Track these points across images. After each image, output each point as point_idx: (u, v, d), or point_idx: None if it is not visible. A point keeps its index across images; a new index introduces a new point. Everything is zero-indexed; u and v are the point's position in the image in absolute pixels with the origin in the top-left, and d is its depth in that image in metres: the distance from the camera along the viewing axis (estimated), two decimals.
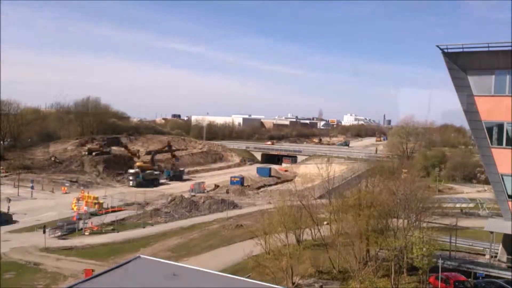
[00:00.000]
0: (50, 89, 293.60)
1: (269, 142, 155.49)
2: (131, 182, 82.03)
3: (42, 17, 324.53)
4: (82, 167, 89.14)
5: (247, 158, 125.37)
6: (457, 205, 59.21)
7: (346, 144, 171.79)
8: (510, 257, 33.90)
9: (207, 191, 77.86)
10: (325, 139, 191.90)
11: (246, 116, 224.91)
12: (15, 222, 52.00)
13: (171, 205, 61.86)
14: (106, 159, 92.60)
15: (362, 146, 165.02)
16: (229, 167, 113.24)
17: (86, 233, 47.64)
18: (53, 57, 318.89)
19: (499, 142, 30.95)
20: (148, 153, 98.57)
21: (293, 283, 31.52)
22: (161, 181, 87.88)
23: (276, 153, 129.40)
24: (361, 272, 29.32)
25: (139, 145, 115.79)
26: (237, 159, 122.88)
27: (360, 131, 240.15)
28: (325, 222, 44.78)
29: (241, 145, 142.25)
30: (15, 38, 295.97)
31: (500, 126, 30.71)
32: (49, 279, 34.32)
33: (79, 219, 51.11)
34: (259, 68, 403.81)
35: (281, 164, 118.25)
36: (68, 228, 48.31)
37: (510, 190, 31.85)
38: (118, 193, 71.27)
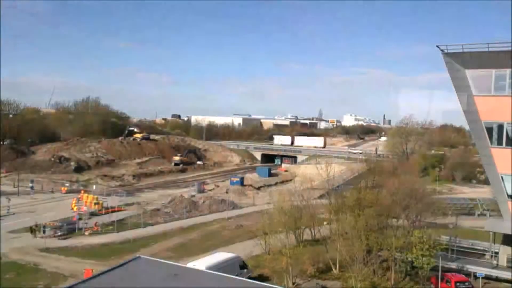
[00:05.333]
0: (50, 89, 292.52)
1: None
2: None
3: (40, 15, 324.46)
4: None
5: (246, 159, 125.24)
6: (457, 205, 59.24)
7: None
8: (510, 257, 33.90)
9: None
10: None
11: (246, 116, 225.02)
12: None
13: (171, 205, 61.80)
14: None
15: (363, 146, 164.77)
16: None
17: (87, 233, 47.59)
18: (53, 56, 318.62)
19: (499, 142, 30.96)
20: None
21: (293, 283, 31.52)
22: None
23: (276, 153, 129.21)
24: (361, 272, 29.32)
25: None
26: (237, 159, 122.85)
27: (360, 131, 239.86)
28: (325, 223, 44.81)
29: (241, 145, 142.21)
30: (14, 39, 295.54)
31: (500, 126, 30.73)
32: (49, 279, 34.23)
33: (79, 219, 51.09)
34: (260, 68, 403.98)
35: (281, 165, 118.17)
36: (68, 228, 48.25)
37: (510, 190, 31.87)
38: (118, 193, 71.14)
